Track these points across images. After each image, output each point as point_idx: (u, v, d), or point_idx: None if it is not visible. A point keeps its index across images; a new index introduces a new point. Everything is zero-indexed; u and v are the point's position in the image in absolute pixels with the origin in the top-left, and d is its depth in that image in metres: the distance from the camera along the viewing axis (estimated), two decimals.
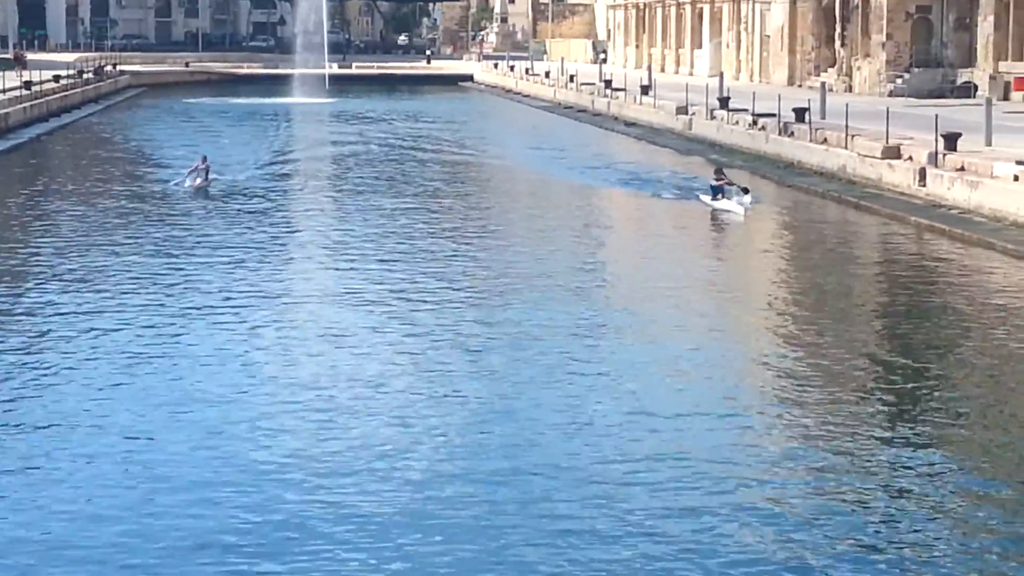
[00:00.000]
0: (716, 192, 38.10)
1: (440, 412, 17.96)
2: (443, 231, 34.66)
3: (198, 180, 41.00)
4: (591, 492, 14.86)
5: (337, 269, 29.37)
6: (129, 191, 42.53)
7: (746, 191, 38.00)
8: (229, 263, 29.44)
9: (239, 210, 38.17)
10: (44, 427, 17.39)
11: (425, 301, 25.33)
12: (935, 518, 14.23)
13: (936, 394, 19.35)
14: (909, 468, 15.80)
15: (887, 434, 17.19)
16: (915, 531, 13.87)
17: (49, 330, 23.07)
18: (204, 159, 42.46)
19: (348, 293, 26.40)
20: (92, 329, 22.88)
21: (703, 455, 16.20)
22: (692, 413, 18.06)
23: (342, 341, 22.18)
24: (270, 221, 36.49)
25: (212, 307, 24.89)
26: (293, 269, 29.73)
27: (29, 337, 22.53)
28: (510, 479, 15.37)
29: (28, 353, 21.35)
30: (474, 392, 18.97)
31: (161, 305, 24.83)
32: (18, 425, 17.48)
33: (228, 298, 25.63)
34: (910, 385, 19.94)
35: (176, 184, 41.60)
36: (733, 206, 37.14)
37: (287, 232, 34.94)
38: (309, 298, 26.06)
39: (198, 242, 32.28)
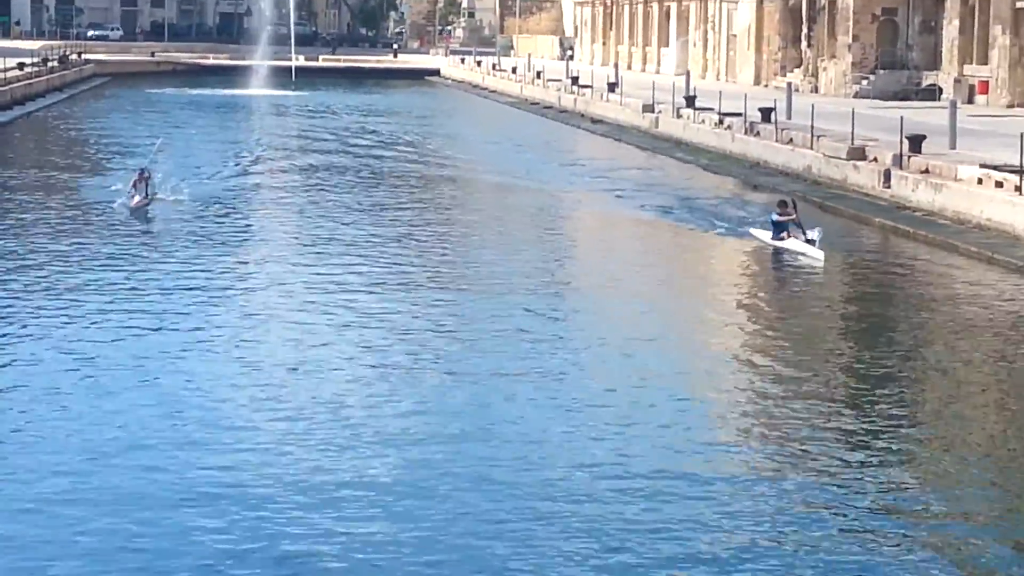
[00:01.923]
0: (780, 229, 31.18)
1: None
2: (411, 267, 30.07)
3: (136, 198, 35.39)
4: None
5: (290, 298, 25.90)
6: (73, 197, 39.69)
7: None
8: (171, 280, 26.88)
9: (182, 230, 33.83)
10: None
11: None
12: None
13: (891, 396, 19.39)
14: (864, 473, 15.83)
15: (838, 436, 17.24)
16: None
17: None
18: (142, 172, 36.41)
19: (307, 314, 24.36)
20: None
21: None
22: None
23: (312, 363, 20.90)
24: (219, 238, 32.99)
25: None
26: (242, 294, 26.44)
27: None
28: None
29: None
30: None
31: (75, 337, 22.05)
32: None
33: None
34: (865, 385, 19.96)
35: (122, 203, 35.88)
36: (807, 249, 30.27)
37: (234, 257, 30.74)
38: (259, 323, 23.57)
39: (135, 258, 29.42)
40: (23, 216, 35.98)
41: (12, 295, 25.32)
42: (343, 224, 35.45)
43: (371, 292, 26.45)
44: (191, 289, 26.20)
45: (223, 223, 35.62)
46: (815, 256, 29.81)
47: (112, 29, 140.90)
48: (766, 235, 31.87)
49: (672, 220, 37.54)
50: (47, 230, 33.49)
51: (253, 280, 27.92)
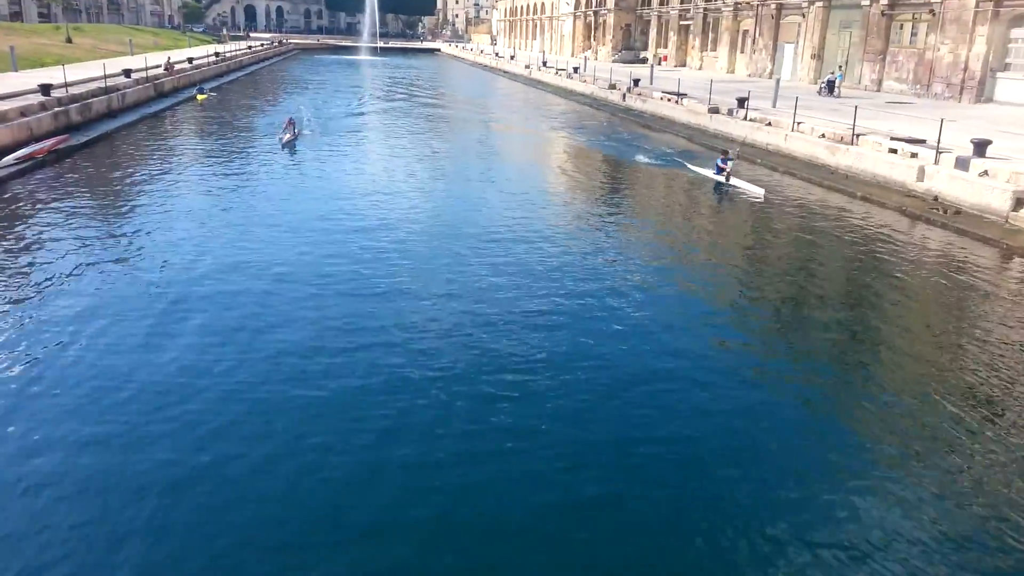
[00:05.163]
0: (720, 171, 19.48)
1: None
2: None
3: (286, 136, 24.13)
4: None
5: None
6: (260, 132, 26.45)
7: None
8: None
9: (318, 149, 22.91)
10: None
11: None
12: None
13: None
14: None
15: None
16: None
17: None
18: (290, 120, 25.35)
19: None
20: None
21: None
22: None
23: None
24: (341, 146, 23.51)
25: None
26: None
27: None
28: None
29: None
30: None
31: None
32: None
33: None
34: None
35: (278, 138, 24.24)
36: (748, 186, 18.38)
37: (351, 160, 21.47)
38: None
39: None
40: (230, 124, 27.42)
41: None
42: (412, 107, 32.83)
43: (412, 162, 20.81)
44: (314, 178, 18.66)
45: (351, 125, 27.87)
46: (758, 194, 17.80)
47: (277, 28, 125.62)
48: (703, 171, 20.20)
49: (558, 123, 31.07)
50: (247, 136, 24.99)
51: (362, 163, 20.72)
